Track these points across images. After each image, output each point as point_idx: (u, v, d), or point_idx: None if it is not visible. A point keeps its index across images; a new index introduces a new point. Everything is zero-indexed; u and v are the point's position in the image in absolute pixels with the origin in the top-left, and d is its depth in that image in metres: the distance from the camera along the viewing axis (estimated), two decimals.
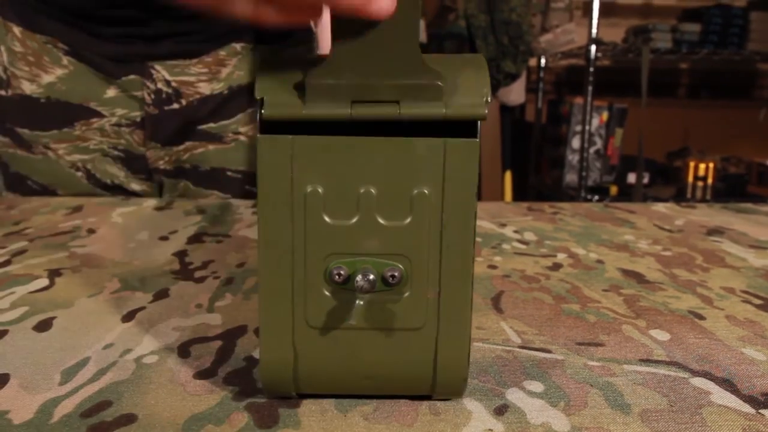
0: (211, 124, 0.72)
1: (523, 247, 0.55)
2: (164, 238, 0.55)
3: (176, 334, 0.34)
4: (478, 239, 0.57)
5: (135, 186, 0.74)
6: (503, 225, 0.63)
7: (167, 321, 0.36)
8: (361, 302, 0.24)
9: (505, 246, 0.55)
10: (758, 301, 0.42)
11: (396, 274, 0.24)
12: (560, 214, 0.69)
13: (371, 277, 0.24)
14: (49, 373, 0.29)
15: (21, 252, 0.49)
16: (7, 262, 0.46)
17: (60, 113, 0.69)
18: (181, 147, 0.72)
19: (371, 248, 0.24)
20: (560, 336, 0.35)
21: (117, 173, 0.73)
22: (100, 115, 0.70)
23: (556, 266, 0.49)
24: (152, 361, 0.31)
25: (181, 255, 0.49)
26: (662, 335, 0.36)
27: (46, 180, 0.72)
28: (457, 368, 0.26)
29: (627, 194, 1.58)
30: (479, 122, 0.24)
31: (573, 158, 1.65)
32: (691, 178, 1.60)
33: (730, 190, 1.64)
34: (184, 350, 0.32)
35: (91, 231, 0.56)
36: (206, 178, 0.74)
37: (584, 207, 0.74)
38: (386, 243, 0.24)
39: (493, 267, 0.49)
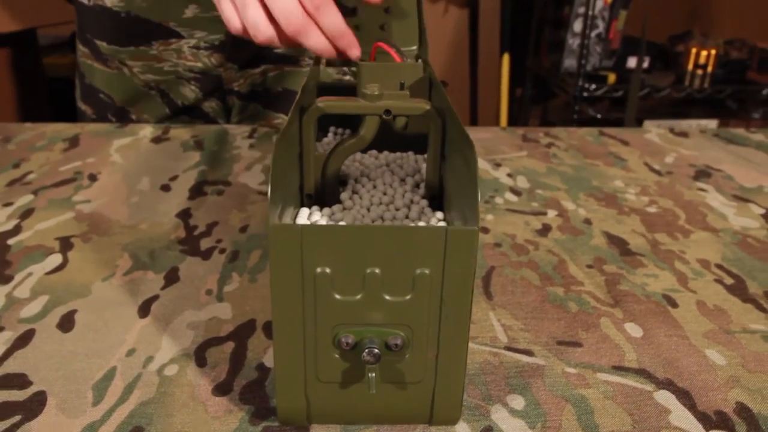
0: None
1: (515, 199, 0.57)
2: (166, 188, 0.56)
3: (191, 333, 0.37)
4: None
5: (206, 106, 0.74)
6: (498, 165, 0.64)
7: (181, 315, 0.39)
8: (373, 375, 0.26)
9: (498, 200, 0.56)
10: (729, 281, 0.45)
11: (398, 342, 0.27)
12: (555, 146, 0.70)
13: (376, 351, 0.26)
14: (81, 391, 0.32)
15: (28, 212, 0.51)
16: (18, 228, 0.48)
17: (138, 30, 0.68)
18: (258, 70, 0.72)
19: (376, 320, 0.27)
20: (543, 331, 0.39)
21: (188, 95, 0.72)
22: (179, 36, 0.68)
23: (546, 229, 0.51)
24: (173, 373, 0.34)
25: (184, 216, 0.51)
26: (636, 331, 0.39)
27: (119, 96, 0.72)
28: (452, 412, 0.30)
29: (625, 81, 1.55)
30: (478, 219, 0.25)
31: (573, 42, 1.60)
32: (690, 66, 1.57)
33: (729, 77, 1.61)
34: (200, 357, 0.35)
35: (92, 178, 0.57)
36: (277, 100, 0.74)
37: (579, 135, 0.75)
38: (390, 315, 0.27)
39: (485, 230, 0.51)
